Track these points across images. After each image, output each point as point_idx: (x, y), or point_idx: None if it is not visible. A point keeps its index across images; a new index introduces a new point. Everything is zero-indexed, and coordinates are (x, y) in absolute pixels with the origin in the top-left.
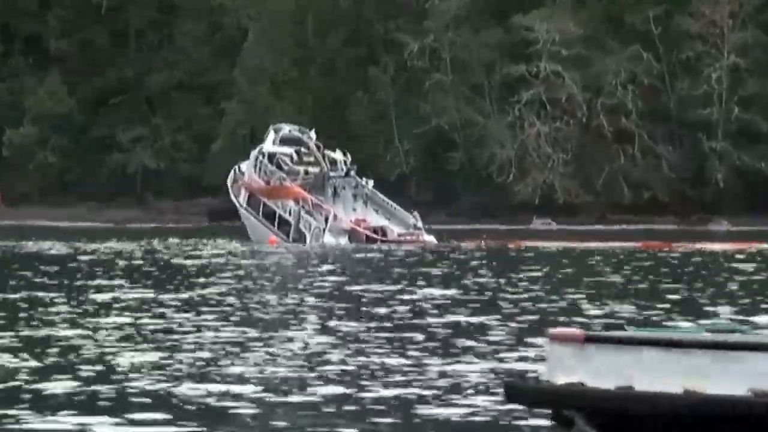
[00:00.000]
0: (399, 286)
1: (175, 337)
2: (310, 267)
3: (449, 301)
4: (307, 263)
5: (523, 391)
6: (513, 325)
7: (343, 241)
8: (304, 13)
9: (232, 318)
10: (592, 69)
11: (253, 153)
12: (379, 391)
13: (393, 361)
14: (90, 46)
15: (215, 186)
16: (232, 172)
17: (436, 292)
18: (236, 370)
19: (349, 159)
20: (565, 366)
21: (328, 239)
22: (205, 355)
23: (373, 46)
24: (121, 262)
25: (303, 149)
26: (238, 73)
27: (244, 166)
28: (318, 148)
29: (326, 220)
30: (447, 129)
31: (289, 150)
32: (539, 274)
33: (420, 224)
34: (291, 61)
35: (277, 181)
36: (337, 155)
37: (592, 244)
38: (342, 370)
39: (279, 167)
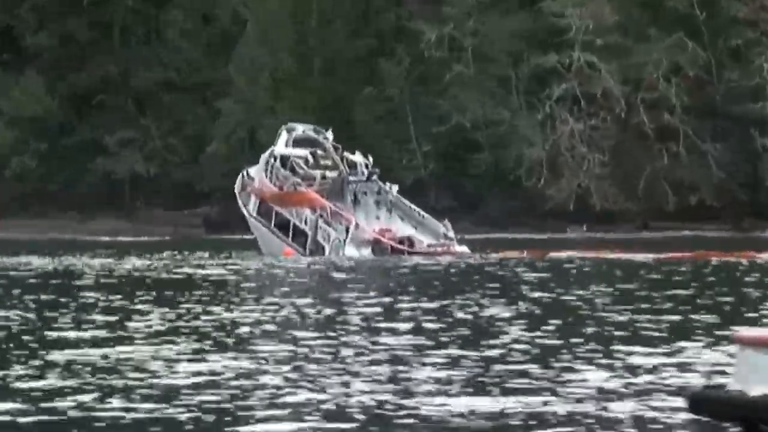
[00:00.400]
0: (459, 300)
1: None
2: (343, 281)
3: (538, 314)
4: (331, 276)
5: (712, 402)
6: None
7: (366, 252)
8: (306, 1)
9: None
10: (631, 59)
11: (264, 156)
12: (554, 405)
13: (537, 372)
14: (70, 41)
15: (211, 193)
16: (239, 177)
17: (520, 305)
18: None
19: (371, 161)
20: (761, 373)
21: (350, 251)
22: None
23: (384, 36)
24: (146, 279)
25: (319, 151)
26: (234, 69)
27: (254, 170)
28: (336, 149)
29: (347, 230)
30: (469, 128)
31: (303, 152)
32: (629, 286)
33: (451, 234)
34: (292, 55)
35: (291, 186)
36: (357, 157)
37: (640, 255)
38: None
39: (293, 171)
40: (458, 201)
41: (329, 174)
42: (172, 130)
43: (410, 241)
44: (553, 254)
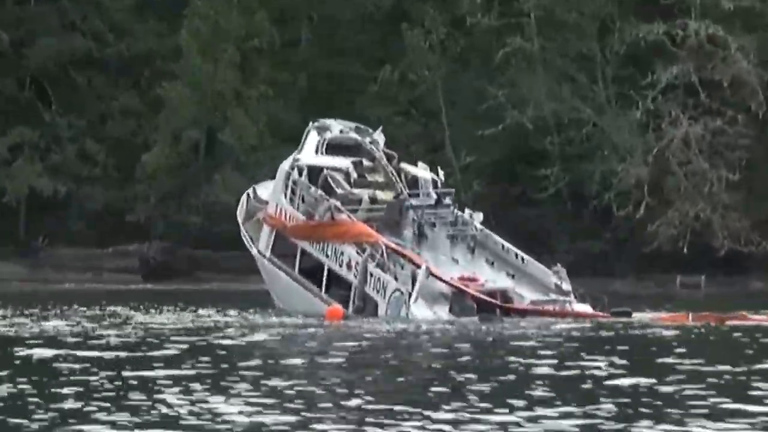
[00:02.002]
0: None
1: None
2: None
3: None
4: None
5: None
6: None
7: (443, 312)
8: None
9: None
10: None
11: (284, 167)
12: None
13: None
14: None
15: (150, 223)
16: (243, 199)
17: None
18: None
19: (441, 178)
20: None
21: (419, 310)
22: None
23: None
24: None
25: (365, 161)
26: (186, 37)
27: (265, 189)
28: (390, 159)
29: (413, 278)
30: (532, 130)
31: (343, 163)
32: None
33: (567, 285)
34: (269, 16)
35: (326, 213)
36: (421, 171)
37: None
38: None
39: (328, 191)
40: (514, 237)
41: (381, 195)
42: (91, 128)
43: (505, 296)
44: (736, 320)
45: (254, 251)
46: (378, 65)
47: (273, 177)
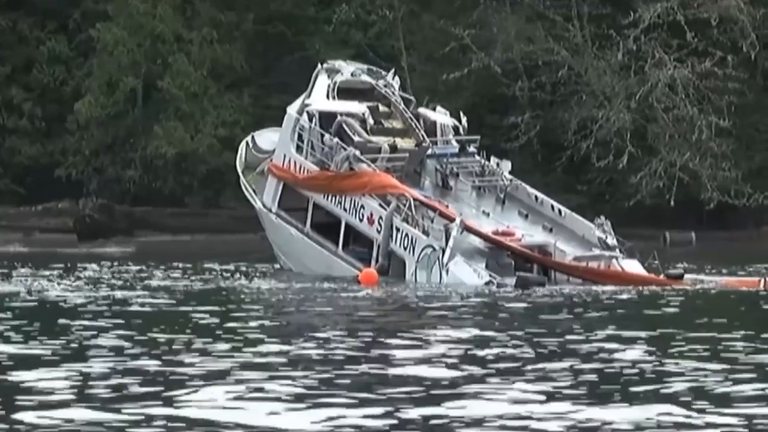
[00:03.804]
0: None
1: None
2: None
3: None
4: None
5: None
6: None
7: (482, 271)
8: None
9: None
10: None
11: (291, 113)
12: None
13: None
14: None
15: (84, 179)
16: (241, 148)
17: None
18: None
19: (465, 124)
20: None
21: (459, 268)
22: None
23: None
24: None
25: (381, 106)
26: None
27: (268, 137)
28: (407, 103)
29: (447, 233)
30: (500, 74)
31: (358, 108)
32: None
33: (612, 240)
34: None
35: (343, 163)
36: (441, 116)
37: None
38: None
39: (343, 139)
40: None
41: (402, 143)
42: (16, 75)
43: (544, 251)
44: None
45: (258, 205)
46: (331, 4)
47: (221, 125)
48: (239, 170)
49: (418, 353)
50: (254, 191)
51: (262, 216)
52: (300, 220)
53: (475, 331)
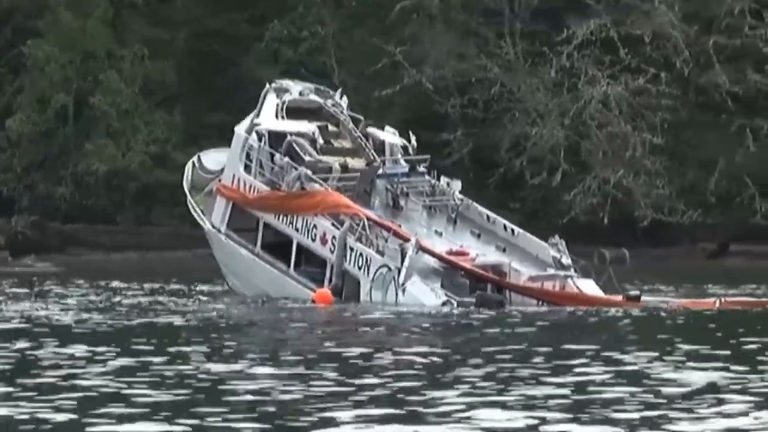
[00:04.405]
0: None
1: None
2: None
3: None
4: None
5: None
6: None
7: (441, 291)
8: None
9: None
10: None
11: (239, 132)
12: None
13: None
14: None
15: (16, 196)
16: (187, 168)
17: None
18: None
19: (414, 143)
20: None
21: (417, 288)
22: None
23: None
24: None
25: (330, 125)
26: None
27: (213, 158)
28: (355, 123)
29: (403, 253)
30: (432, 91)
31: (308, 127)
32: None
33: (567, 259)
34: None
35: (295, 183)
36: (389, 136)
37: None
38: None
39: (293, 159)
40: None
41: (352, 163)
42: None
43: (498, 271)
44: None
45: (207, 226)
46: (264, 21)
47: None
48: (186, 190)
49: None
50: (202, 212)
51: (211, 236)
52: (250, 240)
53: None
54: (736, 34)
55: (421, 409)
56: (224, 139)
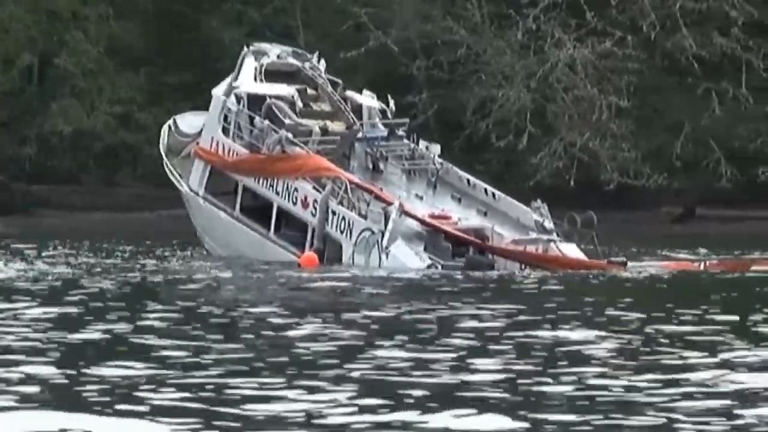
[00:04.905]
0: None
1: None
2: None
3: None
4: None
5: None
6: None
7: (423, 254)
8: None
9: None
10: None
11: (218, 96)
12: None
13: None
14: None
15: None
16: (163, 131)
17: None
18: None
19: (392, 107)
20: None
21: (400, 251)
22: None
23: None
24: None
25: (309, 89)
26: None
27: (190, 121)
28: (333, 86)
29: (387, 216)
30: (398, 53)
31: (287, 90)
32: None
33: (549, 223)
34: None
35: (276, 146)
36: (367, 99)
37: None
38: None
39: (273, 122)
40: None
41: (332, 126)
42: None
43: (480, 235)
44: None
45: (184, 189)
46: None
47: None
48: (162, 153)
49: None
50: (180, 175)
51: (189, 199)
52: (228, 203)
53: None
54: None
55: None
56: (189, 100)
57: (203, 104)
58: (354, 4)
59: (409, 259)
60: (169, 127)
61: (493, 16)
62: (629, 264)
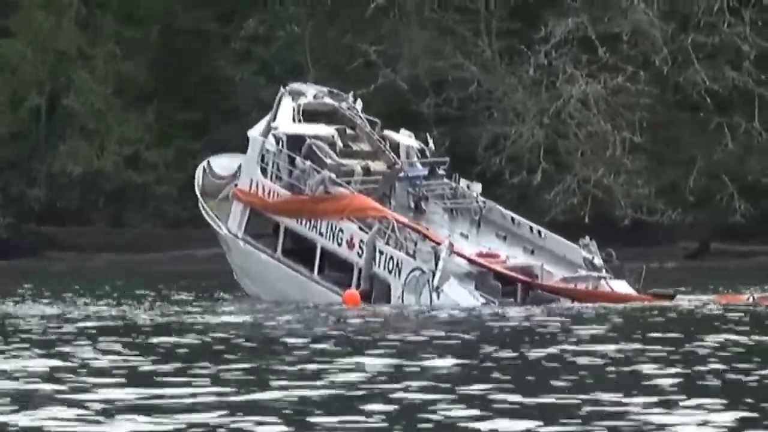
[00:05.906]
0: None
1: None
2: None
3: None
4: None
5: None
6: None
7: (476, 292)
8: None
9: None
10: None
11: (255, 136)
12: None
13: None
14: None
15: None
16: (198, 174)
17: None
18: None
19: (432, 145)
20: None
21: (455, 290)
22: None
23: None
24: None
25: (348, 129)
26: None
27: (222, 163)
28: (372, 125)
29: (437, 256)
30: (407, 90)
31: (327, 130)
32: None
33: (599, 260)
34: None
35: (319, 186)
36: (405, 138)
37: None
38: None
39: (314, 163)
40: None
41: (373, 166)
42: None
43: (529, 273)
44: None
45: (223, 231)
46: (233, 20)
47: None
48: (200, 196)
49: None
50: (217, 217)
51: (228, 242)
52: (269, 245)
53: None
54: (713, 32)
55: None
56: (197, 138)
57: (211, 142)
58: (363, 40)
59: (463, 298)
60: (204, 169)
61: (504, 52)
62: (677, 297)
